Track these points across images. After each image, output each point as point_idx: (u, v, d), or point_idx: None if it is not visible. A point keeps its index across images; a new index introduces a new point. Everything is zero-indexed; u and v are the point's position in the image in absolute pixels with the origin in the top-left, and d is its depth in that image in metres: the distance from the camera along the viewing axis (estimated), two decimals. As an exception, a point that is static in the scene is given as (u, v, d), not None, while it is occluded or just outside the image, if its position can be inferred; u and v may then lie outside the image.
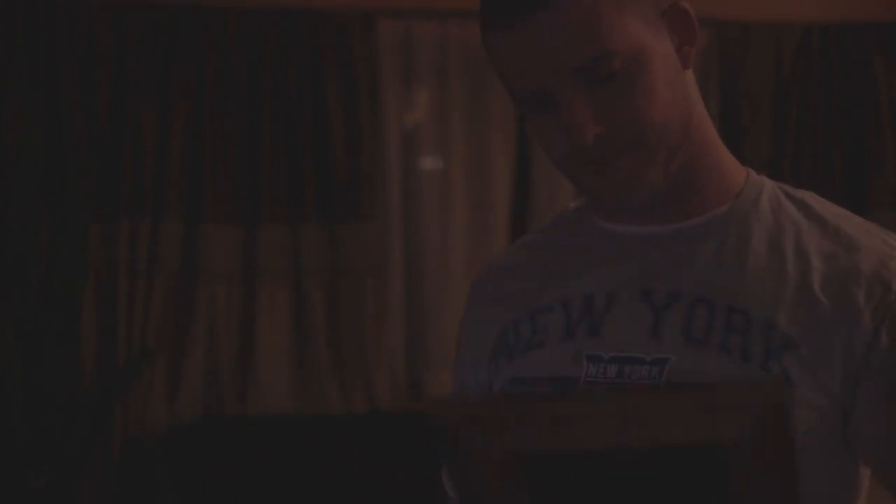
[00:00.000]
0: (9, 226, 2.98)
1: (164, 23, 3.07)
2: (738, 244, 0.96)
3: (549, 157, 0.98)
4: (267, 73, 3.12)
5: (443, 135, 3.32)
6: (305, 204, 3.17)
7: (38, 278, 2.96)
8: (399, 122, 3.32)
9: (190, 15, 3.08)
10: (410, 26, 3.26)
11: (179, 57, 3.07)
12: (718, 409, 0.70)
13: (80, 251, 2.99)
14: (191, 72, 3.07)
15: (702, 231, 0.97)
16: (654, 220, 0.97)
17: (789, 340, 0.92)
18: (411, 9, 3.23)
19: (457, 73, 3.26)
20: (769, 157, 3.32)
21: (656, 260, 0.97)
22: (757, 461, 0.69)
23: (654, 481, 0.70)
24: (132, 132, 3.05)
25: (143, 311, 3.06)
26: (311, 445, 3.07)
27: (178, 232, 3.07)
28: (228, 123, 3.10)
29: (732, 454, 0.69)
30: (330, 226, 3.20)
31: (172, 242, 3.07)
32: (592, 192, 0.97)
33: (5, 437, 2.86)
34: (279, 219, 3.15)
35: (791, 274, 0.94)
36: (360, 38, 3.19)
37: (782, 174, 3.44)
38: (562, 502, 0.71)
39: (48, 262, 2.97)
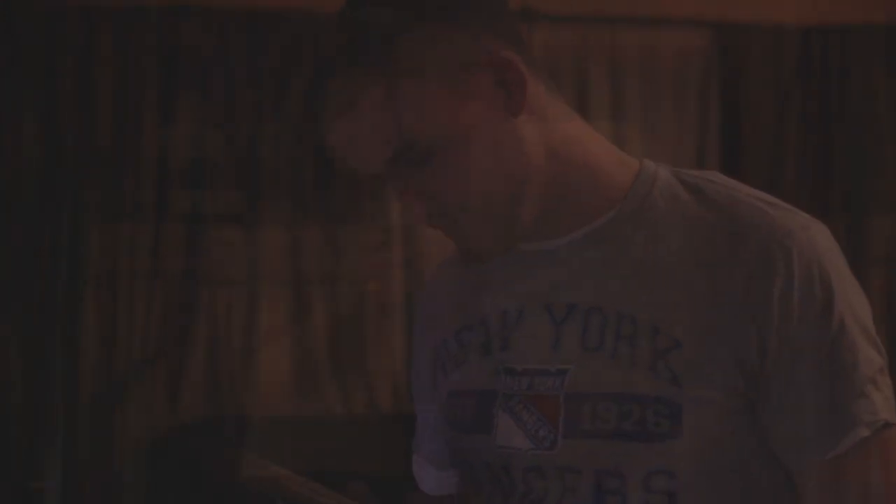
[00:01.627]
0: (9, 229, 2.98)
1: (166, 25, 3.07)
2: (625, 248, 0.98)
3: None
4: (268, 77, 3.12)
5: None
6: (307, 207, 3.18)
7: (39, 282, 2.97)
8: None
9: (192, 17, 3.08)
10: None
11: (181, 59, 3.07)
12: None
13: (81, 254, 2.99)
14: (192, 74, 3.07)
15: (592, 240, 1.01)
16: (551, 235, 1.01)
17: (675, 341, 0.94)
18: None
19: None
20: (769, 161, 3.32)
21: (556, 273, 1.02)
22: None
23: None
24: (133, 135, 3.05)
25: (144, 314, 3.06)
26: (311, 447, 3.07)
27: (179, 235, 3.07)
28: (229, 126, 3.10)
29: None
30: (331, 228, 3.21)
31: (173, 245, 3.07)
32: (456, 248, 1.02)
33: (7, 441, 2.86)
34: (280, 221, 3.16)
35: (676, 272, 0.95)
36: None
37: (783, 177, 3.44)
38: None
39: (49, 266, 2.98)
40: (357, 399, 3.23)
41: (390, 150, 0.94)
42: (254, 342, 3.15)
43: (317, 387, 3.21)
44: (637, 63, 3.33)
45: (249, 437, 3.06)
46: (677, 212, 0.99)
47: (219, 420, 3.11)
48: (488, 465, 1.02)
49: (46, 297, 3.00)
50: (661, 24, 3.34)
